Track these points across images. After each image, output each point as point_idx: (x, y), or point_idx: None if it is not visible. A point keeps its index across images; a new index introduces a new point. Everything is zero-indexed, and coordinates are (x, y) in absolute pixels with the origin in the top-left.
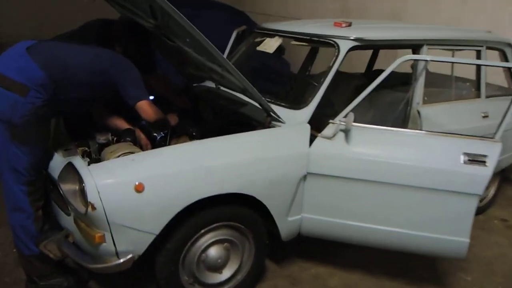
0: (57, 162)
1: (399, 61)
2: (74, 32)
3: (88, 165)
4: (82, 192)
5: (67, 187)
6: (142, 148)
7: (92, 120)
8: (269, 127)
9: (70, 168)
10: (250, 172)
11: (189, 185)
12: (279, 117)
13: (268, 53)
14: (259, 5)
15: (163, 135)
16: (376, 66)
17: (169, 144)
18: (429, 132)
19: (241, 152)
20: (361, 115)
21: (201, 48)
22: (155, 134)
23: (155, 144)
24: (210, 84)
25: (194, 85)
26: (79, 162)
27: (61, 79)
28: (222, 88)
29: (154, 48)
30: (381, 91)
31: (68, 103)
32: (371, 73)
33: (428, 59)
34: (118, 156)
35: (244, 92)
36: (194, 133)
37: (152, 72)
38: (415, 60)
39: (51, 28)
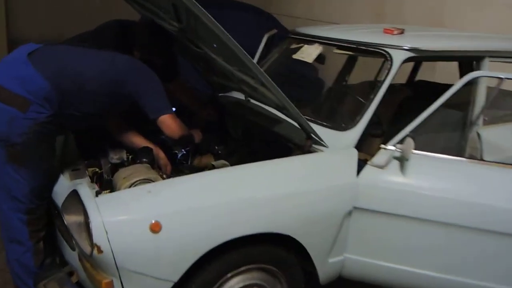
0: (63, 186)
1: (468, 78)
2: (87, 34)
3: (96, 195)
4: (88, 228)
5: (71, 220)
6: (161, 168)
7: (106, 134)
8: (309, 151)
9: (74, 198)
10: (287, 208)
11: (215, 224)
12: (321, 140)
13: (304, 62)
14: (284, 7)
15: (184, 152)
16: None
17: (191, 163)
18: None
19: (276, 183)
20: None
21: (231, 57)
22: (175, 151)
23: (176, 162)
24: (238, 94)
25: (220, 95)
26: (85, 191)
27: (69, 91)
28: (252, 101)
29: (176, 53)
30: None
31: (77, 118)
32: (414, 85)
33: (502, 76)
34: (132, 185)
35: (280, 109)
36: (219, 152)
37: (173, 79)
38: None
39: (76, 28)
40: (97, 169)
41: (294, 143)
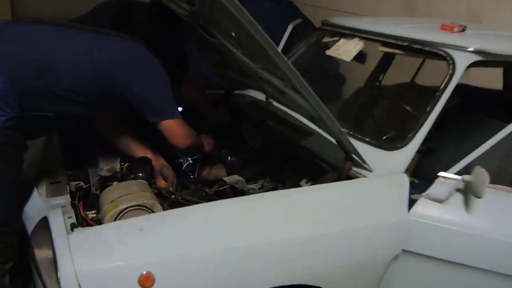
0: (36, 205)
1: None
2: (84, 17)
3: (72, 229)
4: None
5: (41, 255)
6: (166, 179)
7: (98, 137)
8: (348, 176)
9: (45, 228)
10: (318, 252)
11: (224, 274)
12: (364, 162)
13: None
14: None
15: (190, 161)
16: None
17: (198, 175)
18: None
19: (304, 220)
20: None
21: (256, 50)
22: (180, 160)
23: (180, 174)
24: (257, 93)
25: (236, 92)
26: (57, 222)
27: (36, 87)
28: (275, 103)
29: (186, 41)
30: (480, 121)
31: (51, 120)
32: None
33: None
34: (120, 213)
35: (315, 121)
36: (233, 163)
37: (182, 74)
38: None
39: (82, 5)
40: (81, 184)
41: (328, 162)
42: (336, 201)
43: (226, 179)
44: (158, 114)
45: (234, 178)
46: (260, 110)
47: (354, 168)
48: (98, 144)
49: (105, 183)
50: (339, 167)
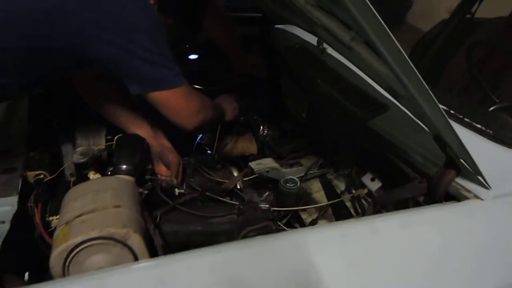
0: None
1: None
2: None
3: None
4: None
5: None
6: (168, 167)
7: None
8: (445, 194)
9: None
10: None
11: None
12: (479, 174)
13: None
14: None
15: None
16: None
17: (217, 151)
18: None
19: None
20: None
21: None
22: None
23: (194, 147)
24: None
25: (276, 26)
26: None
27: None
28: (330, 49)
29: None
30: None
31: None
32: None
33: None
34: (71, 253)
35: (400, 99)
36: (267, 138)
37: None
38: None
39: None
40: (42, 174)
41: (414, 166)
42: (425, 240)
43: (254, 165)
44: (145, 83)
45: (267, 163)
46: (308, 60)
47: (457, 182)
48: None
49: (81, 170)
50: (435, 179)
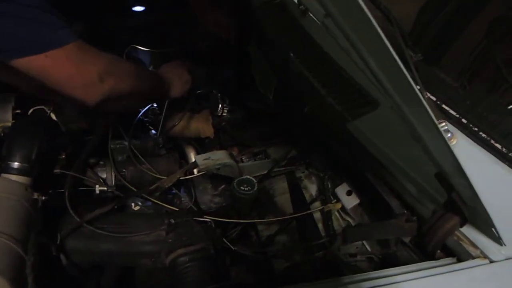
0: None
1: None
2: None
3: None
4: None
5: None
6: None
7: None
8: (441, 247)
9: None
10: None
11: None
12: (492, 226)
13: None
14: None
15: (154, 105)
16: None
17: (163, 132)
18: None
19: None
20: None
21: None
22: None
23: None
24: None
25: None
26: None
27: None
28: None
29: None
30: None
31: None
32: None
33: None
34: None
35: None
36: (223, 122)
37: None
38: None
39: None
40: None
41: (402, 198)
42: None
43: (200, 160)
44: (9, 46)
45: (217, 158)
46: (283, 23)
47: (463, 230)
48: None
49: None
50: (423, 214)
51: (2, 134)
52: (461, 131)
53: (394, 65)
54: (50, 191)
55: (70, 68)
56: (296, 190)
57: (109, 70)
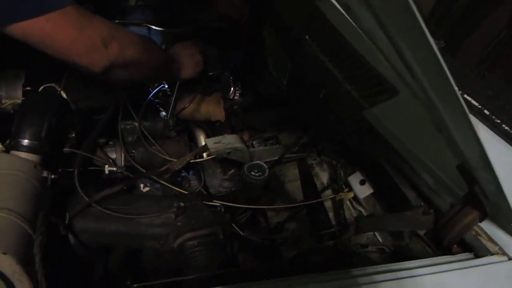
0: None
1: None
2: None
3: None
4: None
5: None
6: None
7: None
8: (460, 244)
9: None
10: None
11: None
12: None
13: None
14: None
15: (165, 86)
16: None
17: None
18: None
19: None
20: None
21: None
22: None
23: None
24: None
25: None
26: None
27: None
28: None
29: None
30: None
31: None
32: None
33: None
34: None
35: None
36: (234, 106)
37: None
38: None
39: None
40: None
41: (419, 189)
42: None
43: (211, 143)
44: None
45: (227, 141)
46: (299, 5)
47: (481, 225)
48: None
49: None
50: (440, 207)
51: (12, 111)
52: (483, 122)
53: (427, 48)
54: (60, 170)
55: (72, 32)
56: (307, 177)
57: (113, 35)
